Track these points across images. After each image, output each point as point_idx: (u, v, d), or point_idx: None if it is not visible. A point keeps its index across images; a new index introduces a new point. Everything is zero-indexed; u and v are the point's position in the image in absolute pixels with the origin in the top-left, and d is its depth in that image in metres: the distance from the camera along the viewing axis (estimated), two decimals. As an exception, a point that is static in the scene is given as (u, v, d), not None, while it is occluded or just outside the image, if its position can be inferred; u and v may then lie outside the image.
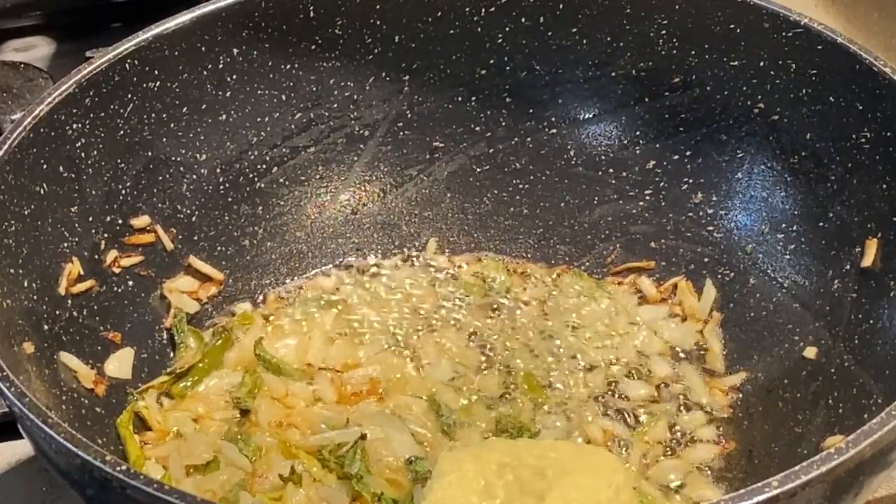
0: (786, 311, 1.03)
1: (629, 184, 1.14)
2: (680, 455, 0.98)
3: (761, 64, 1.03)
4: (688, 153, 1.11)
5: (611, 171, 1.14)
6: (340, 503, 0.91)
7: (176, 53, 1.03)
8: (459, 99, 1.15)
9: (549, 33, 1.11)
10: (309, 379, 1.03)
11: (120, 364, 1.00)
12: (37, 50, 1.54)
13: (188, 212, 1.09)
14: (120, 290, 1.03)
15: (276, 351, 1.05)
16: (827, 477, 0.68)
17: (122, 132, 1.02)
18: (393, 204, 1.18)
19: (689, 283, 1.10)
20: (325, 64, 1.12)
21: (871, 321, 0.94)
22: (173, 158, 1.07)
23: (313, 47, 1.10)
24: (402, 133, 1.16)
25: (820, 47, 0.99)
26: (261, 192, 1.13)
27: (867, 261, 0.95)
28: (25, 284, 0.91)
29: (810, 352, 0.98)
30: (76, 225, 0.98)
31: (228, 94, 1.08)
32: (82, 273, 0.98)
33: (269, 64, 1.09)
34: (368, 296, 1.12)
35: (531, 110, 1.15)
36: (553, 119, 1.15)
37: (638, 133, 1.13)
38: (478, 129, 1.16)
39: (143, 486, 0.68)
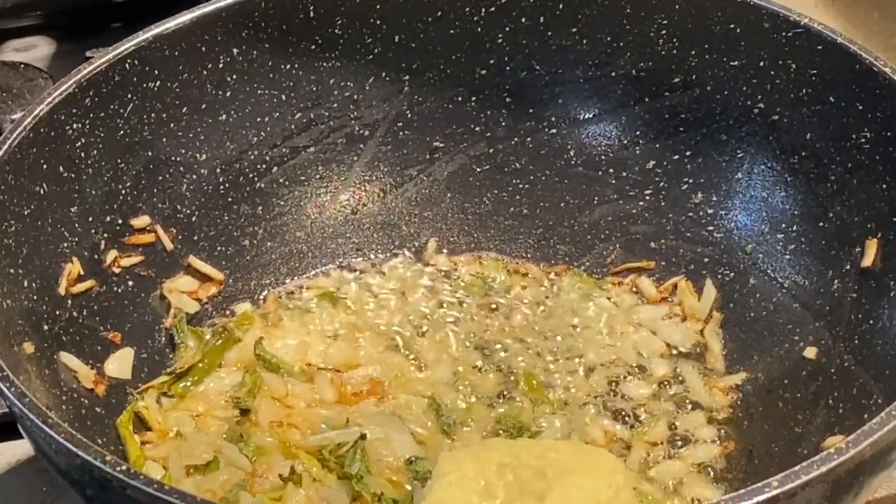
0: (786, 311, 1.03)
1: (629, 184, 1.14)
2: (680, 455, 0.98)
3: (761, 64, 1.03)
4: (688, 153, 1.11)
5: (611, 171, 1.14)
6: (340, 503, 0.91)
7: (176, 53, 1.03)
8: (459, 99, 1.15)
9: (549, 33, 1.11)
10: (309, 379, 1.03)
11: (120, 364, 1.00)
12: (37, 50, 1.54)
13: (188, 212, 1.09)
14: (120, 290, 1.03)
15: (276, 351, 1.05)
16: (827, 477, 0.68)
17: (122, 132, 1.02)
18: (393, 204, 1.18)
19: (689, 283, 1.10)
20: (325, 64, 1.12)
21: (871, 321, 0.94)
22: (173, 158, 1.07)
23: (313, 47, 1.10)
24: (402, 133, 1.16)
25: (820, 47, 0.99)
26: (261, 192, 1.13)
27: (867, 261, 0.95)
28: (25, 284, 0.91)
29: (810, 352, 0.98)
30: (76, 225, 0.98)
31: (228, 94, 1.08)
32: (82, 273, 0.98)
33: (269, 64, 1.09)
34: (368, 296, 1.12)
35: (531, 110, 1.15)
36: (553, 119, 1.15)
37: (638, 133, 1.13)
38: (478, 129, 1.16)
39: (143, 486, 0.68)
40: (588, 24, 1.10)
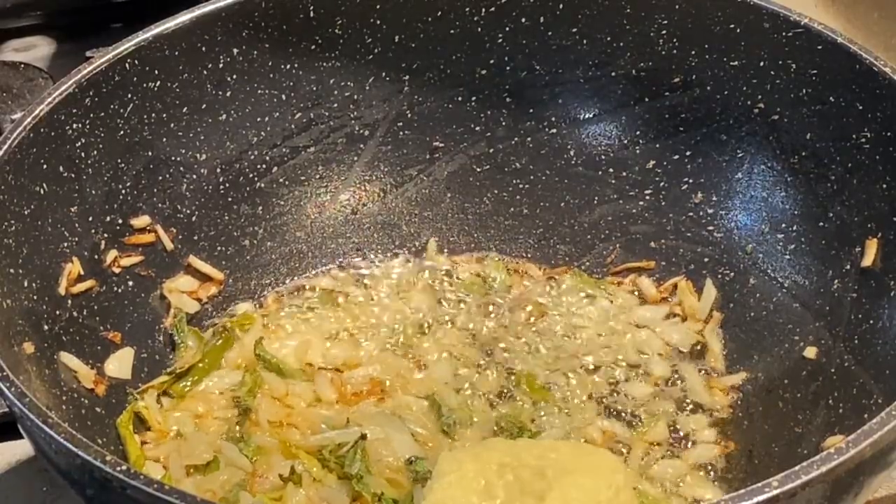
0: (786, 311, 1.03)
1: (629, 184, 1.14)
2: (680, 455, 0.98)
3: (761, 64, 1.03)
4: (688, 153, 1.11)
5: (611, 171, 1.14)
6: (340, 503, 0.91)
7: (176, 53, 1.03)
8: (459, 99, 1.15)
9: (549, 33, 1.11)
10: (309, 379, 1.03)
11: (120, 364, 1.00)
12: (37, 50, 1.54)
13: (188, 212, 1.09)
14: (120, 290, 1.03)
15: (276, 351, 1.05)
16: (827, 477, 0.68)
17: (122, 132, 1.02)
18: (393, 204, 1.18)
19: (689, 283, 1.10)
20: (325, 64, 1.12)
21: (871, 321, 0.94)
22: (173, 158, 1.07)
23: (313, 47, 1.10)
24: (402, 133, 1.16)
25: (820, 47, 0.99)
26: (261, 192, 1.13)
27: (867, 261, 0.95)
28: (25, 284, 0.91)
29: (810, 352, 0.98)
30: (76, 225, 0.98)
31: (228, 94, 1.08)
32: (82, 273, 0.98)
33: (269, 64, 1.09)
34: (368, 295, 1.12)
35: (531, 110, 1.15)
36: (553, 119, 1.15)
37: (638, 133, 1.13)
38: (478, 129, 1.16)
39: (143, 486, 0.68)
40: (588, 24, 1.10)
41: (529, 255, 1.16)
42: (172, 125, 1.06)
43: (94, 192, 1.00)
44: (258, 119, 1.11)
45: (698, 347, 1.06)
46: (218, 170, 1.10)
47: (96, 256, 1.01)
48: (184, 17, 1.03)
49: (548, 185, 1.16)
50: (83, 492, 0.75)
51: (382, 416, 0.98)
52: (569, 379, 1.04)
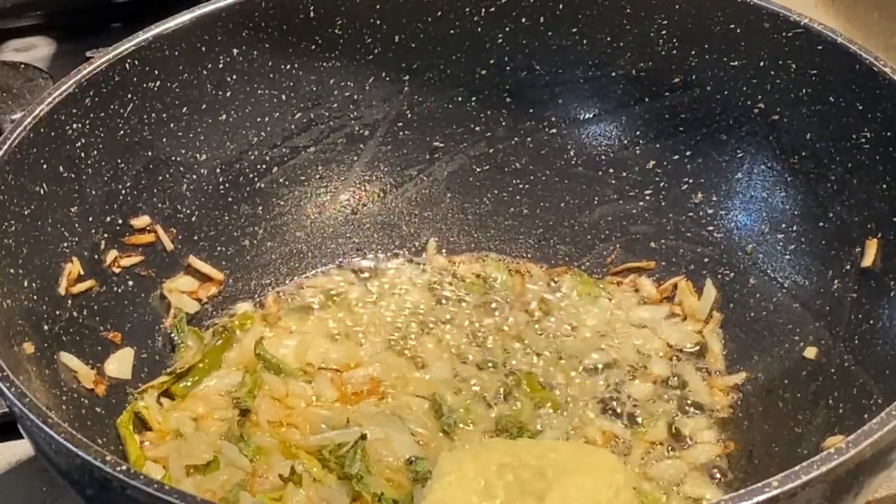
0: (786, 311, 1.03)
1: (629, 184, 1.14)
2: (680, 455, 0.98)
3: (761, 64, 1.03)
4: (688, 153, 1.11)
5: (611, 171, 1.14)
6: (340, 503, 0.91)
7: (176, 53, 1.03)
8: (459, 99, 1.15)
9: (549, 33, 1.11)
10: (309, 379, 1.03)
11: (120, 364, 1.00)
12: (37, 50, 1.54)
13: (188, 212, 1.09)
14: (120, 290, 1.03)
15: (276, 351, 1.05)
16: (827, 477, 0.68)
17: (122, 132, 1.02)
18: (393, 204, 1.18)
19: (689, 283, 1.10)
20: (325, 64, 1.12)
21: (871, 321, 0.94)
22: (173, 158, 1.07)
23: (313, 47, 1.10)
24: (402, 133, 1.16)
25: (820, 47, 0.99)
26: (261, 192, 1.13)
27: (867, 261, 0.95)
28: (25, 284, 0.91)
29: (810, 352, 0.98)
30: (76, 225, 0.98)
31: (228, 94, 1.08)
32: (82, 273, 0.98)
33: (269, 64, 1.09)
34: (368, 296, 1.12)
35: (531, 110, 1.15)
36: (553, 119, 1.15)
37: (638, 133, 1.13)
38: (478, 129, 1.16)
39: (143, 486, 0.68)
40: (588, 24, 1.10)
41: (529, 255, 1.16)
42: (172, 125, 1.06)
43: (94, 192, 1.00)
44: (258, 119, 1.11)
45: (698, 347, 1.07)
46: (218, 170, 1.10)
47: (96, 256, 1.01)
48: (184, 17, 1.03)
49: (548, 185, 1.16)
50: (83, 492, 0.75)
51: (382, 416, 0.98)
52: (569, 379, 1.04)
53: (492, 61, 1.13)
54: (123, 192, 1.03)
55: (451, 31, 1.11)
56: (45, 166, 0.94)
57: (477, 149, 1.17)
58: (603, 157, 1.15)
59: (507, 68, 1.13)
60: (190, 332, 1.06)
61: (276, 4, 1.07)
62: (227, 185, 1.11)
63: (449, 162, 1.17)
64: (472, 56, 1.13)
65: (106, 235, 1.02)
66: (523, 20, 1.11)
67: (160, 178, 1.06)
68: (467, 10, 1.10)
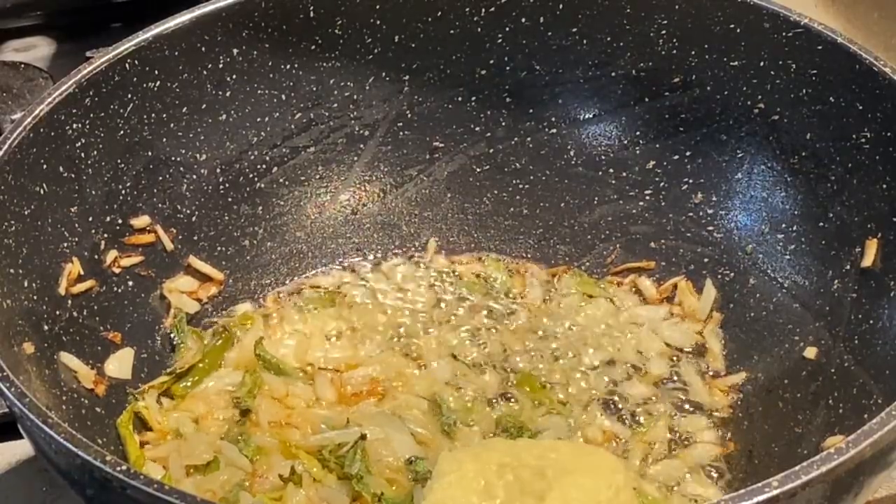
0: (786, 311, 1.03)
1: (629, 184, 1.14)
2: (680, 455, 0.98)
3: (761, 64, 1.03)
4: (688, 153, 1.11)
5: (611, 171, 1.14)
6: (340, 503, 0.91)
7: (176, 53, 1.03)
8: (459, 99, 1.15)
9: (549, 33, 1.11)
10: (309, 379, 1.03)
11: (120, 364, 1.00)
12: (37, 50, 1.54)
13: (188, 212, 1.09)
14: (120, 290, 1.03)
15: (276, 351, 1.05)
16: (827, 477, 0.68)
17: (122, 132, 1.02)
18: (393, 204, 1.18)
19: (689, 283, 1.10)
20: (325, 64, 1.12)
21: (871, 321, 0.94)
22: (173, 158, 1.07)
23: (313, 47, 1.10)
24: (402, 133, 1.16)
25: (820, 47, 0.99)
26: (261, 192, 1.13)
27: (867, 261, 0.95)
28: (25, 284, 0.91)
29: (810, 352, 0.98)
30: (76, 225, 0.98)
31: (228, 94, 1.08)
32: (82, 273, 0.98)
33: (269, 64, 1.09)
34: (368, 296, 1.12)
35: (531, 110, 1.15)
36: (553, 119, 1.15)
37: (638, 133, 1.13)
38: (478, 129, 1.16)
39: (143, 486, 0.68)
40: (588, 24, 1.10)
41: (529, 255, 1.16)
42: (172, 125, 1.06)
43: (94, 192, 1.00)
44: (258, 119, 1.11)
45: (698, 347, 1.07)
46: (218, 170, 1.10)
47: (96, 256, 1.01)
48: (184, 17, 1.03)
49: (548, 185, 1.16)
50: (83, 492, 0.75)
51: (382, 416, 0.98)
52: (569, 379, 1.04)
53: (492, 61, 1.13)
54: (123, 192, 1.03)
55: (451, 31, 1.11)
56: (45, 166, 0.94)
57: (477, 149, 1.17)
58: (603, 157, 1.15)
59: (507, 68, 1.13)
60: (190, 332, 1.06)
61: (276, 4, 1.07)
62: (227, 185, 1.11)
63: (449, 162, 1.17)
64: (472, 56, 1.13)
65: (106, 235, 1.02)
66: (523, 20, 1.11)
67: (160, 178, 1.06)
68: (467, 10, 1.10)
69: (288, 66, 1.10)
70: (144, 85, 1.02)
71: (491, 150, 1.17)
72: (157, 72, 1.03)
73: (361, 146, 1.16)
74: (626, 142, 1.14)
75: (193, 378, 1.02)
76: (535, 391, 1.02)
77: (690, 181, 1.11)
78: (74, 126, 0.97)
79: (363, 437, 0.94)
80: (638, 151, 1.13)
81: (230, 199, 1.11)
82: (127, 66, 1.00)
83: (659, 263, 1.12)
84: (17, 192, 0.91)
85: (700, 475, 0.96)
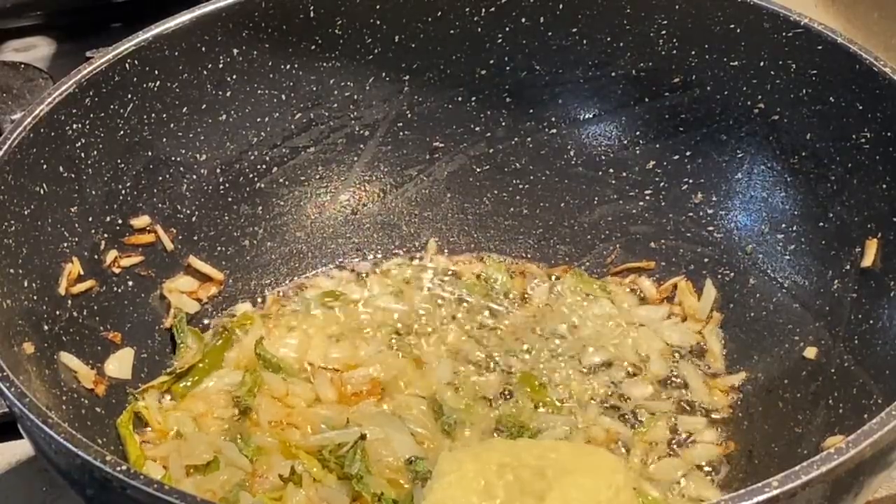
0: (786, 311, 1.03)
1: (629, 184, 1.14)
2: (680, 455, 0.98)
3: (761, 64, 1.03)
4: (688, 153, 1.11)
5: (611, 171, 1.14)
6: (340, 503, 0.91)
7: (176, 53, 1.03)
8: (459, 99, 1.15)
9: (549, 33, 1.11)
10: (309, 379, 1.03)
11: (120, 364, 1.00)
12: (37, 50, 1.54)
13: (188, 212, 1.09)
14: (120, 290, 1.03)
15: (276, 351, 1.05)
16: (827, 477, 0.68)
17: (122, 132, 1.02)
18: (393, 204, 1.18)
19: (689, 283, 1.10)
20: (325, 64, 1.12)
21: (871, 321, 0.94)
22: (173, 158, 1.07)
23: (313, 47, 1.10)
24: (402, 133, 1.16)
25: (820, 47, 0.99)
26: (261, 192, 1.13)
27: (867, 261, 0.95)
28: (25, 284, 0.91)
29: (810, 352, 0.98)
30: (76, 225, 0.98)
31: (228, 94, 1.08)
32: (82, 273, 0.98)
33: (269, 64, 1.09)
34: (369, 296, 1.12)
35: (531, 110, 1.15)
36: (553, 119, 1.15)
37: (638, 133, 1.13)
38: (478, 129, 1.16)
39: (143, 486, 0.68)
40: (588, 24, 1.10)
41: (529, 255, 1.16)
42: (172, 125, 1.06)
43: (94, 192, 1.00)
44: (258, 119, 1.11)
45: (698, 347, 1.07)
46: (218, 170, 1.10)
47: (96, 256, 1.01)
48: (184, 17, 1.03)
49: (548, 185, 1.16)
50: (83, 492, 0.75)
51: (382, 416, 0.98)
52: (569, 379, 1.04)
53: (492, 61, 1.13)
54: (123, 192, 1.03)
55: (451, 31, 1.11)
56: (45, 166, 0.94)
57: (477, 149, 1.17)
58: (603, 157, 1.15)
59: (507, 68, 1.13)
60: (190, 332, 1.06)
61: (276, 4, 1.07)
62: (227, 185, 1.11)
63: (449, 162, 1.17)
64: (472, 56, 1.13)
65: (106, 235, 1.02)
66: (523, 20, 1.11)
67: (160, 178, 1.06)
68: (467, 10, 1.10)
69: (288, 66, 1.10)
70: (144, 85, 1.02)
71: (491, 150, 1.17)
72: (157, 72, 1.03)
73: (361, 146, 1.16)
74: (626, 142, 1.14)
75: (193, 378, 1.02)
76: (535, 391, 1.02)
77: (690, 181, 1.11)
78: (74, 126, 0.97)
79: (363, 437, 0.94)
80: (638, 151, 1.13)
81: (230, 199, 1.11)
82: (127, 66, 1.00)
83: (659, 263, 1.12)
84: (17, 192, 0.91)
85: (700, 475, 0.96)
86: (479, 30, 1.11)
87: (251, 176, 1.12)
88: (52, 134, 0.95)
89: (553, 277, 1.14)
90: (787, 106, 1.03)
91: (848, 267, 0.97)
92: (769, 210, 1.06)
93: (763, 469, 0.93)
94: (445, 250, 1.17)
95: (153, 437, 0.97)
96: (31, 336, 0.90)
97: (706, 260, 1.10)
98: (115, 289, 1.03)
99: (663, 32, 1.08)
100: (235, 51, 1.07)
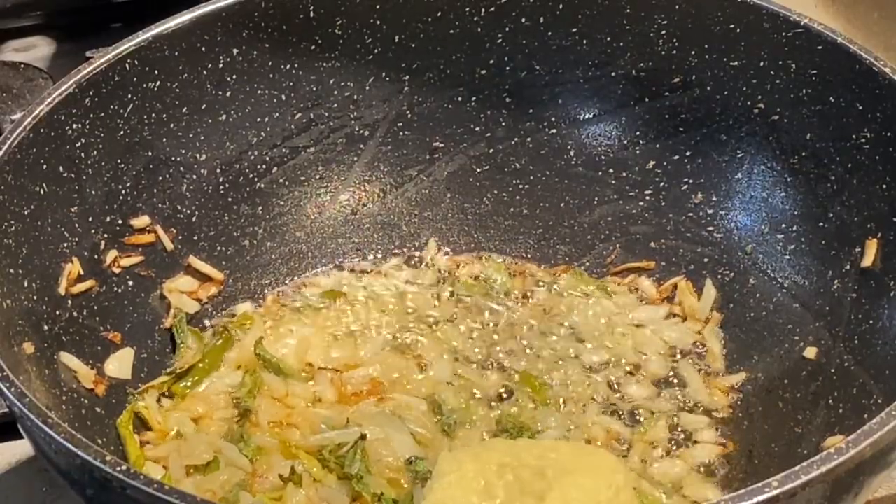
0: (786, 311, 1.03)
1: (629, 184, 1.14)
2: (680, 455, 0.98)
3: (761, 64, 1.03)
4: (688, 153, 1.11)
5: (611, 171, 1.14)
6: (340, 503, 0.91)
7: (176, 53, 1.03)
8: (459, 99, 1.15)
9: (549, 33, 1.11)
10: (309, 379, 1.03)
11: (120, 364, 1.00)
12: (37, 50, 1.54)
13: (188, 212, 1.09)
14: (120, 290, 1.03)
15: (276, 351, 1.05)
16: (827, 477, 0.68)
17: (122, 132, 1.02)
18: (393, 204, 1.18)
19: (689, 283, 1.10)
20: (325, 64, 1.12)
21: (871, 321, 0.94)
22: (173, 158, 1.07)
23: (313, 47, 1.10)
24: (402, 133, 1.16)
25: (820, 47, 0.99)
26: (261, 192, 1.13)
27: (867, 261, 0.95)
28: (25, 284, 0.91)
29: (810, 352, 0.98)
30: (76, 225, 0.98)
31: (228, 94, 1.08)
32: (82, 273, 0.98)
33: (269, 64, 1.09)
34: (368, 296, 1.12)
35: (531, 110, 1.15)
36: (553, 119, 1.15)
37: (638, 133, 1.13)
38: (478, 129, 1.16)
39: (143, 486, 0.68)
40: (588, 24, 1.10)
41: (529, 255, 1.16)
42: (172, 125, 1.06)
43: (94, 192, 1.00)
44: (258, 119, 1.11)
45: (698, 347, 1.07)
46: (218, 170, 1.10)
47: (96, 256, 1.01)
48: (184, 17, 1.03)
49: (548, 185, 1.16)
50: (83, 492, 0.75)
51: (382, 416, 0.98)
52: (569, 379, 1.04)
53: (492, 61, 1.13)
54: (123, 192, 1.03)
55: (451, 31, 1.11)
56: (45, 166, 0.94)
57: (477, 149, 1.17)
58: (603, 157, 1.15)
59: (507, 68, 1.13)
60: (190, 332, 1.06)
61: (276, 4, 1.07)
62: (227, 185, 1.11)
63: (449, 162, 1.17)
64: (472, 56, 1.13)
65: (106, 235, 1.02)
66: (523, 20, 1.11)
67: (160, 178, 1.06)
68: (467, 10, 1.10)
69: (288, 66, 1.10)
70: (144, 85, 1.02)
71: (491, 150, 1.17)
72: (157, 72, 1.03)
73: (361, 146, 1.16)
74: (626, 142, 1.14)
75: (193, 378, 1.02)
76: (535, 391, 1.02)
77: (690, 181, 1.11)
78: (74, 126, 0.97)
79: (363, 437, 0.94)
80: (638, 151, 1.13)
81: (230, 199, 1.11)
82: (127, 66, 1.00)
83: (659, 263, 1.12)
84: (17, 192, 0.91)
85: (700, 475, 0.96)
86: (479, 30, 1.11)
87: (251, 176, 1.12)
88: (52, 134, 0.95)
89: (553, 277, 1.13)
90: (787, 106, 1.03)
91: (848, 267, 0.97)
92: (769, 210, 1.06)
93: (763, 469, 0.93)
94: (445, 250, 1.17)
95: (153, 438, 0.97)
96: (31, 336, 0.90)
97: (706, 260, 1.10)
98: (115, 289, 1.03)
99: (663, 32, 1.08)
100: (235, 51, 1.07)
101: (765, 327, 1.04)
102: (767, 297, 1.04)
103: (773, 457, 0.94)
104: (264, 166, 1.13)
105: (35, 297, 0.92)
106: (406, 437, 0.96)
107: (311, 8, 1.08)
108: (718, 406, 1.01)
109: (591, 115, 1.14)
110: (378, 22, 1.10)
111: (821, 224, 1.01)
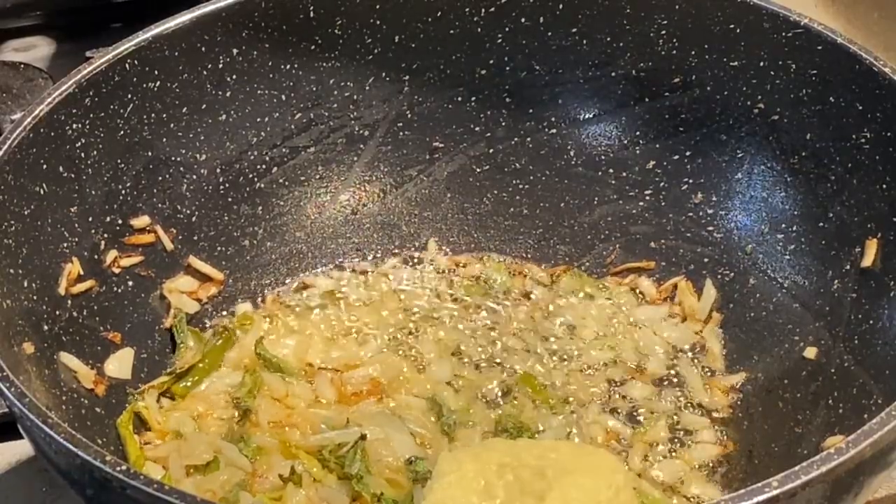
0: (786, 311, 1.03)
1: (629, 184, 1.14)
2: (680, 455, 0.98)
3: (761, 64, 1.03)
4: (688, 153, 1.11)
5: (611, 171, 1.14)
6: (340, 503, 0.91)
7: (176, 53, 1.03)
8: (459, 99, 1.15)
9: (549, 33, 1.11)
10: (309, 379, 1.03)
11: (120, 364, 1.00)
12: (37, 50, 1.54)
13: (188, 212, 1.09)
14: (120, 290, 1.03)
15: (276, 351, 1.05)
16: (827, 477, 0.68)
17: (122, 132, 1.02)
18: (393, 204, 1.18)
19: (689, 283, 1.10)
20: (325, 64, 1.12)
21: (871, 321, 0.94)
22: (173, 158, 1.07)
23: (313, 47, 1.10)
24: (402, 133, 1.16)
25: (820, 47, 0.99)
26: (261, 192, 1.13)
27: (867, 261, 0.95)
28: (25, 284, 0.91)
29: (810, 352, 0.98)
30: (76, 225, 0.98)
31: (228, 94, 1.08)
32: (82, 273, 0.98)
33: (269, 64, 1.09)
34: (368, 296, 1.12)
35: (531, 110, 1.15)
36: (553, 119, 1.15)
37: (638, 133, 1.13)
38: (478, 129, 1.16)
39: (143, 486, 0.68)
40: (588, 24, 1.10)
41: (529, 255, 1.16)
42: (172, 125, 1.06)
43: (94, 192, 1.00)
44: (258, 119, 1.11)
45: (698, 347, 1.07)
46: (218, 170, 1.10)
47: (96, 256, 1.01)
48: (184, 17, 1.03)
49: (548, 185, 1.16)
50: (83, 492, 0.75)
51: (382, 416, 0.98)
52: (569, 379, 1.04)
53: (492, 61, 1.13)
54: (123, 192, 1.03)
55: (451, 31, 1.11)
56: (45, 166, 0.94)
57: (477, 149, 1.17)
58: (603, 157, 1.15)
59: (507, 68, 1.13)
60: (190, 332, 1.06)
61: (276, 4, 1.07)
62: (227, 185, 1.11)
63: (449, 162, 1.17)
64: (472, 56, 1.13)
65: (106, 235, 1.02)
66: (523, 20, 1.11)
67: (160, 178, 1.06)
68: (467, 10, 1.10)
69: (288, 66, 1.10)
70: (144, 85, 1.02)
71: (491, 150, 1.17)
72: (157, 72, 1.03)
73: (361, 146, 1.16)
74: (626, 142, 1.14)
75: (193, 378, 1.02)
76: (535, 391, 1.02)
77: (690, 181, 1.11)
78: (74, 126, 0.97)
79: (363, 437, 0.94)
80: (638, 151, 1.13)
81: (230, 199, 1.11)
82: (127, 66, 1.00)
83: (659, 263, 1.12)
84: (17, 192, 0.91)
85: (700, 475, 0.96)
86: (479, 30, 1.11)
87: (251, 176, 1.12)
88: (52, 134, 0.95)
89: (553, 277, 1.13)
90: (787, 106, 1.03)
91: (848, 267, 0.97)
92: (769, 210, 1.06)
93: (763, 469, 0.93)
94: (445, 250, 1.17)
95: (153, 437, 0.97)
96: (31, 336, 0.90)
97: (706, 260, 1.10)
98: (115, 289, 1.03)
99: (663, 32, 1.08)
100: (235, 51, 1.07)
101: (765, 327, 1.04)
102: (767, 297, 1.04)
103: (773, 457, 0.94)
104: (264, 166, 1.13)
105: (35, 297, 0.92)
106: (406, 437, 0.96)
107: (311, 8, 1.08)
108: (718, 406, 1.01)
109: (591, 115, 1.14)
110: (378, 22, 1.10)
111: (821, 224, 1.01)
